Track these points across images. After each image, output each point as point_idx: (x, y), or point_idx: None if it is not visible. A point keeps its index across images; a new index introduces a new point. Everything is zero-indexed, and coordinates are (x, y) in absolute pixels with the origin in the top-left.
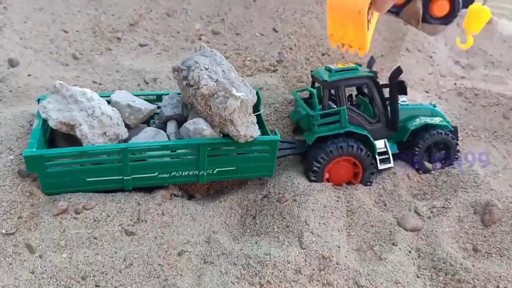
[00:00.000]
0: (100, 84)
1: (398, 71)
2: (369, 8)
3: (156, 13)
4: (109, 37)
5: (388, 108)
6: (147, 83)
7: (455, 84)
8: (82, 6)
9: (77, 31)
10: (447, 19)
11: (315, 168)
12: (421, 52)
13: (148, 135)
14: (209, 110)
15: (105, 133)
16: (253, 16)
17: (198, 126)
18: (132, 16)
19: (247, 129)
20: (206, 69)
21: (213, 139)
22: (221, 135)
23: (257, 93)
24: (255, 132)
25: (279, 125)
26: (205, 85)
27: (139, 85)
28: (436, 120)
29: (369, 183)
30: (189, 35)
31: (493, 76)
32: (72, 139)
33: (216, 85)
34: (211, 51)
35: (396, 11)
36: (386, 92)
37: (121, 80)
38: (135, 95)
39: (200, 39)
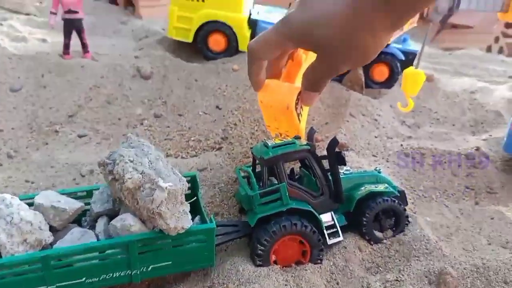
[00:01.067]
0: (32, 182)
1: (334, 141)
2: (297, 103)
3: (96, 102)
4: (46, 131)
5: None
6: (83, 176)
7: (401, 145)
8: (18, 103)
9: (12, 129)
10: (388, 83)
11: (259, 251)
12: (365, 116)
13: (74, 237)
14: (137, 204)
15: (25, 240)
16: (195, 95)
17: (126, 223)
18: (71, 107)
19: (177, 220)
20: (131, 161)
21: (142, 235)
22: (157, 228)
23: (194, 177)
24: (187, 222)
25: (224, 206)
26: (130, 178)
27: (74, 179)
28: (381, 187)
29: (319, 261)
30: (131, 120)
31: (439, 133)
32: None
33: (141, 177)
34: (139, 141)
35: (338, 78)
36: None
37: (55, 176)
38: (63, 194)
39: (142, 123)
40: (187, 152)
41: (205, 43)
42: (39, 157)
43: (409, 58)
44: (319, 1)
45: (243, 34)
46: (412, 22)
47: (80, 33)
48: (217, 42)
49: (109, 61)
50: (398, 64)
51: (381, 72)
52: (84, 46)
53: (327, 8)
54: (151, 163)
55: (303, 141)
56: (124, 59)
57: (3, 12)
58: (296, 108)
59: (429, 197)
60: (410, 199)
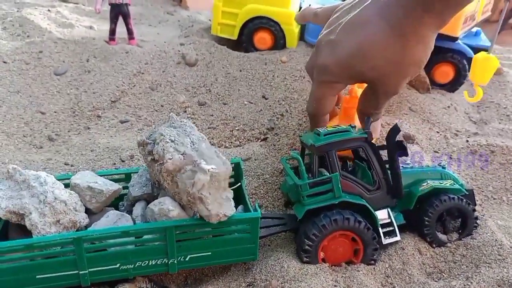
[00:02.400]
0: (72, 165)
1: (396, 130)
2: None
3: (140, 88)
4: (88, 116)
5: (389, 172)
6: (123, 161)
7: (467, 141)
8: (62, 87)
9: (55, 112)
10: (452, 86)
11: (307, 247)
12: (425, 110)
13: (110, 220)
14: (176, 187)
15: (58, 221)
16: (240, 85)
17: (164, 207)
18: (114, 93)
19: (220, 207)
20: (172, 141)
21: (181, 221)
22: (198, 215)
23: (238, 164)
24: (230, 209)
25: (269, 198)
26: (170, 159)
27: (114, 163)
28: (447, 184)
29: (372, 262)
30: (174, 107)
31: (510, 130)
32: (26, 230)
33: (183, 158)
34: (181, 121)
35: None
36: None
37: (95, 160)
38: (100, 175)
39: (185, 111)
40: (231, 142)
41: (250, 41)
42: (80, 141)
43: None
44: (350, 37)
45: (291, 30)
46: (486, 11)
47: (126, 19)
48: (263, 39)
49: (154, 47)
50: (466, 64)
51: (444, 73)
52: (129, 32)
53: (363, 41)
54: (194, 144)
55: (359, 129)
56: (169, 45)
57: (52, 0)
58: None
59: (499, 199)
60: (477, 201)
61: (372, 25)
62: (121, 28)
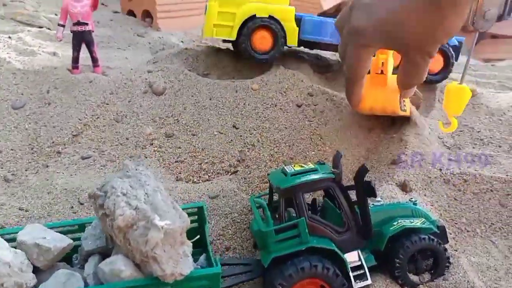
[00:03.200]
0: (26, 211)
1: (364, 170)
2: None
3: (104, 120)
4: (47, 152)
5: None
6: (81, 204)
7: (440, 170)
8: (20, 121)
9: (11, 150)
10: (442, 74)
11: None
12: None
13: (58, 282)
14: (129, 245)
15: (2, 284)
16: (210, 114)
17: (115, 267)
18: (76, 126)
19: (176, 264)
20: (124, 194)
21: (134, 282)
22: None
23: (202, 209)
24: (187, 267)
25: (237, 240)
26: (121, 215)
27: (72, 207)
28: (418, 222)
29: None
30: (140, 140)
31: (483, 156)
32: None
33: (135, 214)
34: (136, 169)
35: None
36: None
37: (51, 203)
38: (51, 227)
39: (151, 143)
40: (199, 176)
41: (249, 41)
42: (37, 182)
43: (457, 47)
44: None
45: (292, 27)
46: None
47: (89, 47)
48: (263, 38)
49: (120, 75)
50: (453, 52)
51: (436, 62)
52: (94, 60)
53: (395, 4)
54: (148, 196)
55: (329, 165)
56: (136, 73)
57: (15, 25)
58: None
59: (472, 232)
60: (450, 234)
61: None
62: (86, 54)
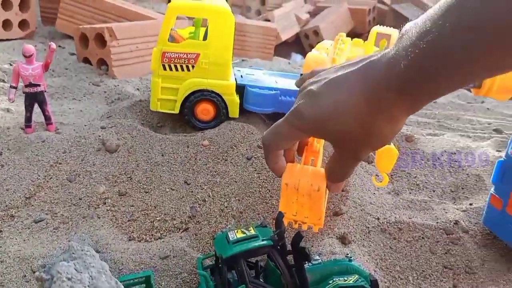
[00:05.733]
0: None
1: (299, 237)
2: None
3: (56, 180)
4: (1, 216)
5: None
6: (34, 272)
7: (378, 219)
8: None
9: None
10: None
11: None
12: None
13: None
14: None
15: None
16: (162, 171)
17: None
18: (28, 188)
19: None
20: (69, 279)
21: None
22: None
23: (149, 277)
24: None
25: None
26: None
27: (25, 275)
28: (351, 279)
29: None
30: (93, 199)
31: (418, 201)
32: None
33: None
34: (82, 250)
35: None
36: None
37: (4, 273)
38: None
39: (104, 203)
40: (152, 235)
41: (193, 113)
42: None
43: None
44: (330, 94)
45: (233, 100)
46: None
47: (42, 106)
48: (205, 110)
49: (73, 133)
50: None
51: None
52: (47, 118)
53: (340, 102)
54: (92, 279)
55: (271, 227)
56: (90, 129)
57: None
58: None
59: (405, 279)
60: (385, 282)
61: (353, 90)
62: (39, 109)
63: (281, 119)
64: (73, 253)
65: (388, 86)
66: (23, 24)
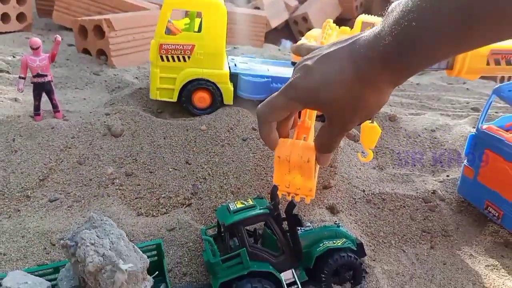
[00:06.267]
0: (4, 254)
1: (291, 205)
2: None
3: (67, 163)
4: (18, 197)
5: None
6: (53, 245)
7: (363, 191)
8: None
9: None
10: None
11: None
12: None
13: None
14: (99, 286)
15: None
16: (165, 152)
17: None
18: (42, 171)
19: None
20: (92, 244)
21: None
22: None
23: (160, 245)
24: None
25: (193, 266)
26: (91, 262)
27: (45, 248)
28: (339, 242)
29: None
30: (102, 180)
31: (400, 175)
32: None
33: (102, 260)
34: (101, 220)
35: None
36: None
37: (26, 246)
38: (30, 272)
39: (113, 183)
40: (158, 210)
41: (190, 101)
42: (11, 226)
43: None
44: (322, 67)
45: (227, 88)
46: None
47: (49, 95)
48: (202, 98)
49: (80, 119)
50: None
51: None
52: (54, 106)
53: (330, 73)
54: (112, 244)
55: (266, 199)
56: (95, 116)
57: None
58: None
59: (388, 243)
60: (370, 246)
61: (341, 61)
62: (46, 98)
63: (276, 92)
64: (93, 223)
65: (372, 58)
66: (20, 17)
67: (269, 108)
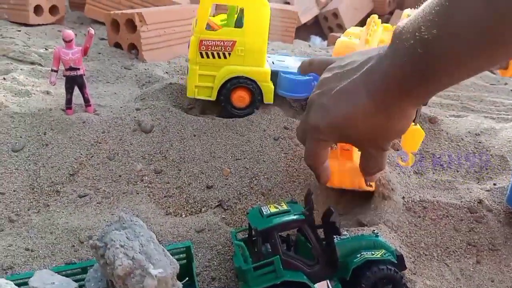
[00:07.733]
0: (32, 251)
1: (329, 212)
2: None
3: (97, 158)
4: (47, 192)
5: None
6: (82, 242)
7: (403, 198)
8: (20, 163)
9: (14, 191)
10: None
11: None
12: None
13: None
14: None
15: None
16: (194, 151)
17: None
18: (72, 165)
19: None
20: (122, 246)
21: None
22: None
23: (189, 248)
24: None
25: (222, 270)
26: (120, 265)
27: (73, 246)
28: (378, 254)
29: None
30: (131, 177)
31: (442, 181)
32: None
33: (132, 263)
34: (131, 221)
35: None
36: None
37: (54, 243)
38: (57, 272)
39: (142, 180)
40: (186, 210)
41: (229, 100)
42: (40, 221)
43: None
44: (340, 105)
45: (268, 86)
46: None
47: (81, 89)
48: (241, 97)
49: (111, 114)
50: None
51: None
52: (86, 100)
53: (350, 112)
54: (142, 246)
55: (300, 203)
56: (126, 111)
57: (8, 63)
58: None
59: (430, 255)
60: (410, 258)
61: (358, 97)
62: (78, 91)
63: (307, 143)
64: (123, 223)
65: (390, 90)
66: (53, 9)
67: (313, 159)
